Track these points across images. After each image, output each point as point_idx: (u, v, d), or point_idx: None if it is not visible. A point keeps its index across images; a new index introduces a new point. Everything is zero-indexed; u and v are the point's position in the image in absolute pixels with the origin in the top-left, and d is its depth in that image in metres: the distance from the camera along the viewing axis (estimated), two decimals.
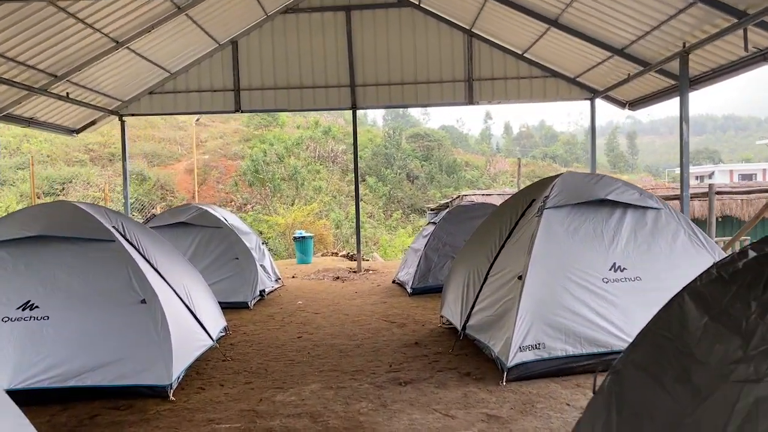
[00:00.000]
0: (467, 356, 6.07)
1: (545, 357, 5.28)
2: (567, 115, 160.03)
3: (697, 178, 47.05)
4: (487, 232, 6.80)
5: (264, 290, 10.27)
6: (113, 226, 6.18)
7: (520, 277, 5.52)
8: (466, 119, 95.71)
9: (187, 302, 6.38)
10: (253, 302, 9.55)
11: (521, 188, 9.12)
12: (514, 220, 6.34)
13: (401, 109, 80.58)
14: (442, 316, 7.40)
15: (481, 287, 6.26)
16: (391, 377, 5.47)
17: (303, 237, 15.56)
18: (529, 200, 6.36)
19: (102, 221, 5.98)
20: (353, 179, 13.26)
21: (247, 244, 10.97)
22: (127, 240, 6.20)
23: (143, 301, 5.53)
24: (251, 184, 30.71)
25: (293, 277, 12.92)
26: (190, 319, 6.28)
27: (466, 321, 6.31)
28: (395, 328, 7.52)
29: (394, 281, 11.23)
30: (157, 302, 5.54)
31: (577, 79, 12.62)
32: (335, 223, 27.95)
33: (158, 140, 52.41)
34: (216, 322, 7.11)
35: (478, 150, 73.67)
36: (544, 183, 6.47)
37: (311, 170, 33.22)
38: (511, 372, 5.18)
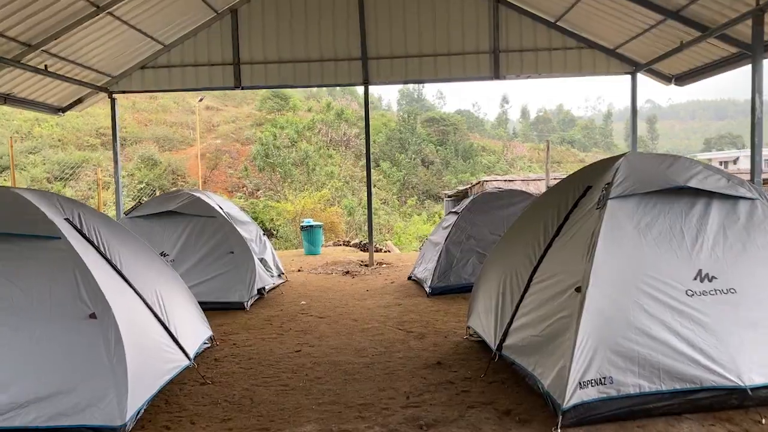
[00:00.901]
0: (504, 385, 4.76)
1: (613, 395, 3.96)
2: (585, 100, 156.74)
3: (721, 163, 45.14)
4: (529, 227, 5.46)
5: (264, 288, 9.03)
6: (66, 218, 4.94)
7: (578, 289, 4.20)
8: (483, 103, 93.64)
9: (158, 312, 5.14)
10: (250, 302, 8.32)
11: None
12: (564, 212, 5.00)
13: (416, 93, 78.90)
14: (469, 327, 6.10)
15: (522, 297, 4.95)
16: (408, 416, 4.18)
17: (311, 226, 14.29)
18: (582, 187, 5.00)
19: (48, 213, 4.73)
20: (365, 167, 11.94)
21: (246, 236, 9.73)
22: (84, 236, 4.97)
23: (93, 315, 4.30)
24: (261, 169, 29.48)
25: (299, 270, 11.67)
26: (161, 334, 5.04)
27: (503, 339, 5.01)
28: (412, 340, 6.23)
29: (410, 277, 9.94)
30: (111, 316, 4.31)
31: (617, 50, 11.13)
32: (348, 209, 26.66)
33: (170, 124, 51.46)
34: (197, 333, 5.87)
35: (495, 135, 71.88)
36: (603, 165, 5.10)
37: (323, 155, 31.84)
38: (567, 415, 3.87)
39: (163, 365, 4.84)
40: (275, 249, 24.01)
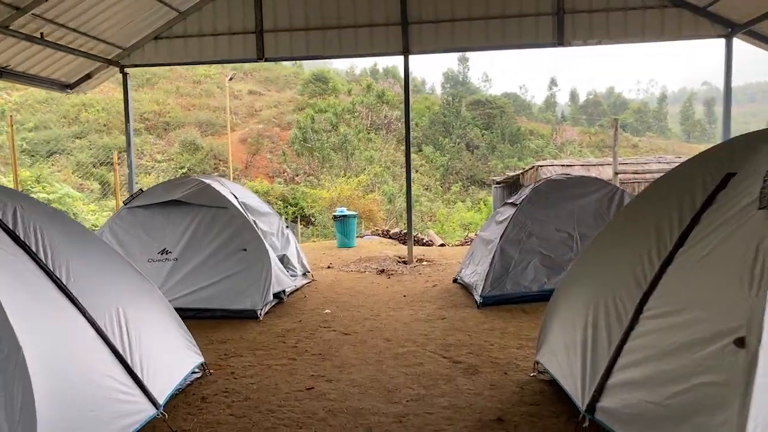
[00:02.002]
0: None
1: None
2: (637, 82, 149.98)
3: None
4: (632, 233, 3.80)
5: (284, 291, 7.60)
6: None
7: (739, 341, 2.55)
8: (530, 86, 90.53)
9: (115, 343, 3.72)
10: (264, 310, 6.89)
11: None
12: (689, 212, 3.33)
13: (461, 75, 76.48)
14: (537, 363, 4.49)
15: (626, 335, 3.32)
16: None
17: (344, 216, 12.79)
18: (719, 175, 3.32)
19: None
20: (406, 145, 10.37)
21: (265, 228, 8.32)
22: (17, 238, 3.59)
23: None
24: (299, 154, 28.15)
25: (328, 267, 10.20)
26: (115, 375, 3.61)
27: (596, 395, 3.40)
28: (461, 377, 4.65)
29: (455, 280, 8.34)
30: (19, 361, 2.92)
31: (709, 8, 9.17)
32: (388, 196, 25.09)
33: (213, 109, 50.91)
34: (177, 365, 4.44)
35: (543, 118, 68.97)
36: (747, 144, 3.40)
37: (363, 139, 30.26)
38: None
39: (111, 423, 3.42)
40: (311, 239, 22.65)
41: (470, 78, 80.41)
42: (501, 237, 7.08)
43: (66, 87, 10.25)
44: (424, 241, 20.24)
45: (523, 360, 4.95)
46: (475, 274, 7.43)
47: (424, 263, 10.15)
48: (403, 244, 15.21)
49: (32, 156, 39.07)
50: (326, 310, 7.05)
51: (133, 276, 4.47)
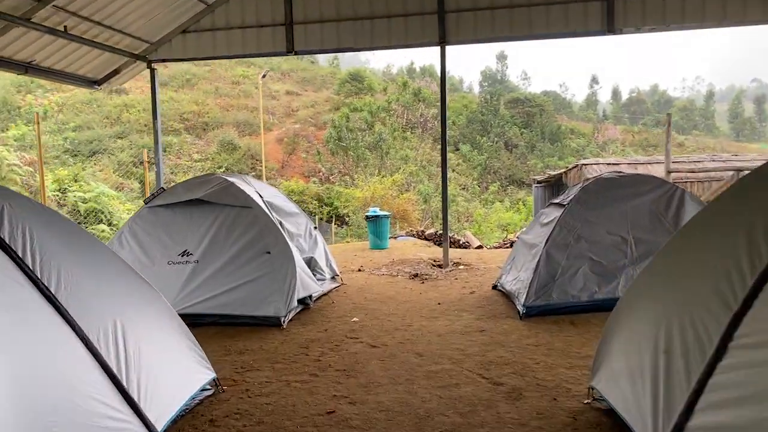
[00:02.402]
0: None
1: None
2: (682, 80, 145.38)
3: None
4: (714, 243, 3.15)
5: (310, 297, 7.11)
6: None
7: None
8: (570, 84, 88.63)
9: (109, 360, 3.27)
10: (288, 318, 6.41)
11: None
12: None
13: (499, 74, 75.27)
14: (593, 388, 3.86)
15: (712, 366, 2.69)
16: None
17: (377, 216, 12.26)
18: None
19: None
20: (441, 150, 9.80)
21: (292, 230, 7.86)
22: (1, 244, 3.18)
23: None
24: (334, 153, 27.75)
25: (359, 270, 9.68)
26: (104, 397, 3.15)
27: None
28: (503, 402, 4.06)
29: (495, 287, 7.71)
30: None
31: None
32: (423, 196, 24.48)
33: (250, 109, 51.18)
34: (183, 383, 3.97)
35: (583, 117, 67.27)
36: None
37: (398, 137, 29.67)
38: None
39: None
40: (345, 239, 22.19)
41: (509, 76, 79.07)
42: (547, 240, 6.43)
43: (93, 83, 10.01)
44: (461, 242, 19.58)
45: (574, 383, 4.32)
46: (518, 281, 6.79)
47: (461, 267, 9.54)
48: (439, 246, 14.62)
49: (75, 155, 39.87)
50: (354, 319, 6.52)
51: (135, 283, 4.03)
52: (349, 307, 7.09)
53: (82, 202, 17.68)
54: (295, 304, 6.51)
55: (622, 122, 66.46)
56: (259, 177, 38.40)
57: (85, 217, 17.54)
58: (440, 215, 27.25)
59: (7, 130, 27.82)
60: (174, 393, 3.77)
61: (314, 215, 30.63)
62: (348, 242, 19.19)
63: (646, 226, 6.42)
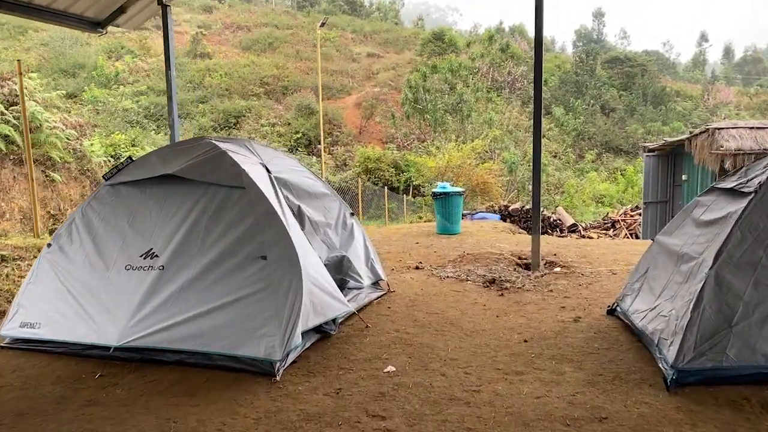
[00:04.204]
0: None
1: None
2: None
3: None
4: None
5: (334, 322, 4.74)
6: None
7: None
8: (674, 42, 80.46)
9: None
10: (286, 363, 4.08)
11: None
12: None
13: (595, 33, 69.06)
14: None
15: None
16: None
17: (446, 193, 9.64)
18: None
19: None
20: (533, 111, 7.05)
21: (317, 218, 5.53)
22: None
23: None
24: (408, 116, 25.03)
25: (416, 267, 7.18)
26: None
27: None
28: None
29: (612, 311, 5.04)
30: None
31: None
32: (508, 165, 21.34)
33: (330, 72, 49.36)
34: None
35: (690, 78, 60.35)
36: None
37: (481, 98, 26.32)
38: None
39: None
40: (417, 214, 19.59)
41: (606, 35, 72.44)
42: (717, 255, 3.68)
43: (97, 26, 7.99)
44: (551, 220, 16.61)
45: None
46: (658, 315, 4.10)
47: (557, 270, 6.83)
48: (526, 230, 11.90)
49: (157, 120, 39.63)
50: (389, 368, 4.09)
51: None
52: (387, 339, 4.66)
53: None
54: (299, 341, 4.15)
55: (733, 83, 59.15)
56: (306, 145, 36.37)
57: None
58: (527, 187, 24.05)
59: (82, 93, 27.29)
60: None
61: (391, 185, 28.31)
62: (420, 219, 16.70)
63: None
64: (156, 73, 45.12)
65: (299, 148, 36.94)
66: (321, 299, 4.51)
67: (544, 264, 7.02)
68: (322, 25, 17.67)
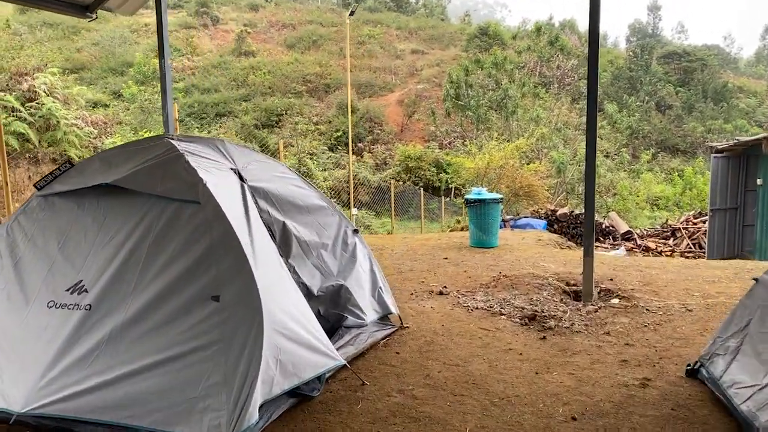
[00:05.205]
0: None
1: None
2: None
3: None
4: None
5: (319, 380, 3.54)
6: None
7: None
8: (736, 35, 76.02)
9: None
10: None
11: None
12: None
13: (650, 27, 65.69)
14: None
15: None
16: None
17: (481, 201, 8.27)
18: None
19: None
20: (586, 106, 5.70)
21: (309, 238, 4.38)
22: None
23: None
24: (449, 113, 23.59)
25: (440, 293, 5.88)
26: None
27: None
28: None
29: (693, 371, 3.67)
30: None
31: None
32: (556, 166, 19.68)
33: (373, 70, 48.32)
34: None
35: (753, 73, 56.51)
36: None
37: (528, 94, 24.59)
38: None
39: None
40: (456, 218, 18.15)
41: (661, 29, 68.91)
42: None
43: (84, 9, 7.06)
44: (603, 226, 14.99)
45: None
46: (763, 391, 2.74)
47: (615, 302, 5.43)
48: (574, 239, 10.48)
49: (201, 118, 39.44)
50: None
51: None
52: (385, 408, 3.43)
53: None
54: (255, 418, 2.96)
55: None
56: (346, 143, 35.38)
57: None
58: (576, 189, 22.27)
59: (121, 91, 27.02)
60: None
61: (432, 184, 26.93)
62: (458, 222, 15.39)
63: None
64: (201, 72, 45.10)
65: (339, 147, 36.01)
66: (295, 355, 3.32)
67: (599, 293, 5.64)
68: (351, 14, 16.56)
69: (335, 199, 19.02)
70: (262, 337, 3.05)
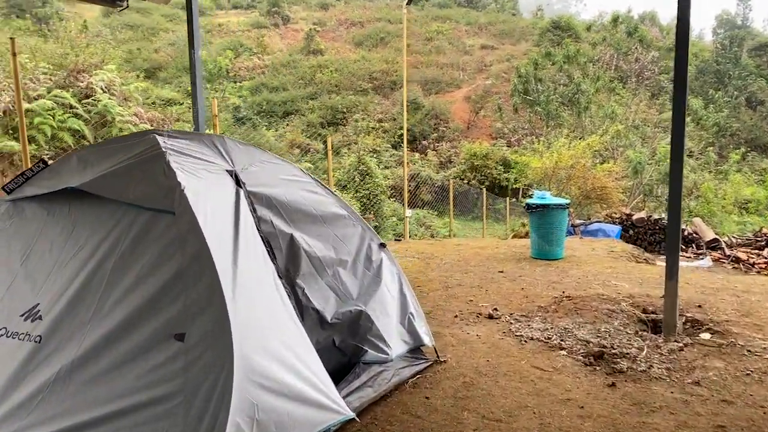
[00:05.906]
0: None
1: None
2: None
3: None
4: None
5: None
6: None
7: None
8: None
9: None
10: None
11: None
12: None
13: (740, 18, 60.91)
14: None
15: None
16: None
17: (544, 206, 7.21)
18: None
19: None
20: (669, 102, 4.57)
21: (323, 253, 3.62)
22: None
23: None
24: (516, 109, 22.26)
25: (490, 316, 4.99)
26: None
27: None
28: None
29: None
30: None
31: None
32: (633, 166, 18.00)
33: (440, 66, 47.24)
34: None
35: None
36: None
37: (602, 89, 22.78)
38: None
39: None
40: (520, 221, 16.94)
41: (752, 20, 63.76)
42: None
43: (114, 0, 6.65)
44: (686, 233, 13.42)
45: None
46: None
47: (704, 337, 4.35)
48: (652, 250, 9.24)
49: (270, 116, 39.78)
50: None
51: None
52: None
53: None
54: None
55: None
56: (410, 141, 34.36)
57: None
58: (654, 190, 20.47)
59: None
60: None
61: (499, 183, 25.67)
62: (523, 227, 14.28)
63: None
64: (270, 70, 45.56)
65: (402, 144, 35.30)
66: (280, 413, 2.56)
67: (683, 323, 4.57)
68: (409, 3, 15.75)
69: (394, 198, 18.22)
70: (230, 392, 2.33)
